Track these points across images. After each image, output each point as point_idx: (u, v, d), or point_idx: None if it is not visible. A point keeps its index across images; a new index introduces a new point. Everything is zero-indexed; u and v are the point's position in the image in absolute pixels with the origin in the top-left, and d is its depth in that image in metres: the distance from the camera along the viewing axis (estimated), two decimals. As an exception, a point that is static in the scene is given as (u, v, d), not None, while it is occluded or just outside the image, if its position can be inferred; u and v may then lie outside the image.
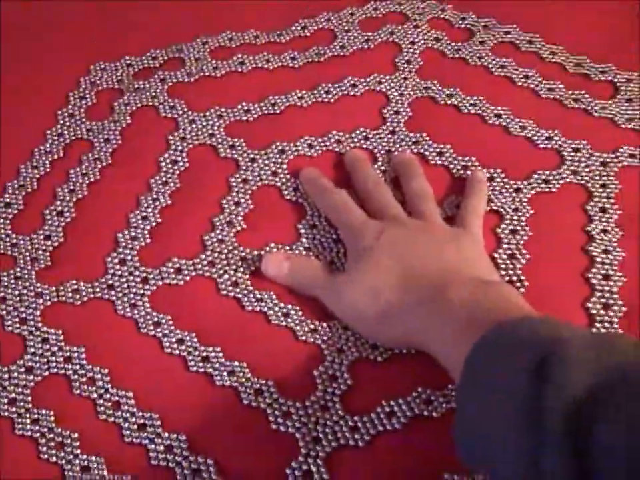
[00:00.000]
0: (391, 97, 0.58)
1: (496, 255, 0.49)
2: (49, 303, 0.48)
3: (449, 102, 0.57)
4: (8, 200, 0.53)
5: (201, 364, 0.45)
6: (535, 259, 0.49)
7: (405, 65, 0.60)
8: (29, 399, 0.44)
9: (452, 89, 0.58)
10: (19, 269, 0.49)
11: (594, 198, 0.52)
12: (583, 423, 0.30)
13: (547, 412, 0.31)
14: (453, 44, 0.61)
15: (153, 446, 0.43)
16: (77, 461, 0.42)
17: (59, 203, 0.53)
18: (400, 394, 0.44)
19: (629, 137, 0.54)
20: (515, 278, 0.48)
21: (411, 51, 0.60)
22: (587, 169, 0.53)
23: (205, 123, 0.57)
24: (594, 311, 0.47)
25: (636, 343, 0.35)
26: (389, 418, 0.43)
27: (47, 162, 0.55)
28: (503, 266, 0.49)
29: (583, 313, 0.47)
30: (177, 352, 0.46)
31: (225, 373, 0.45)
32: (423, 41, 0.61)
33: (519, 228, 0.50)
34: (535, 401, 0.32)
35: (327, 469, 0.42)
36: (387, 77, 0.59)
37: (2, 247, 0.51)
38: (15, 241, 0.51)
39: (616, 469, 0.29)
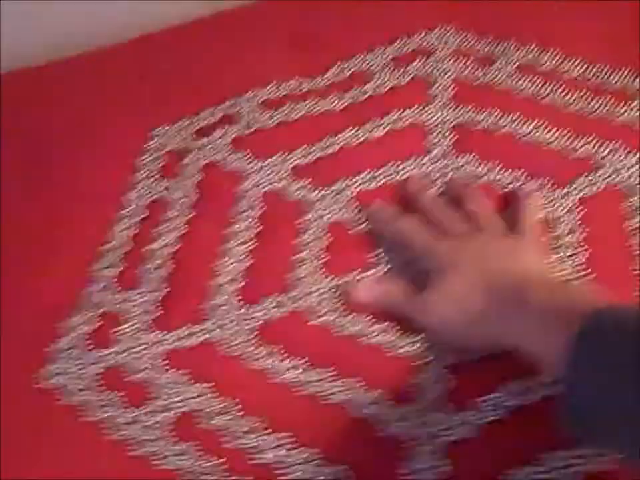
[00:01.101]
0: (433, 125, 0.64)
1: (558, 256, 0.56)
2: (168, 347, 0.54)
3: (486, 124, 0.64)
4: (107, 264, 0.58)
5: (316, 385, 0.51)
6: (592, 254, 0.56)
7: (440, 95, 0.66)
8: (170, 435, 0.50)
9: (486, 112, 0.64)
10: (136, 321, 0.55)
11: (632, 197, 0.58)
12: None
13: None
14: (478, 71, 0.67)
15: (289, 460, 0.49)
16: (226, 482, 0.48)
17: (156, 257, 0.58)
18: (497, 389, 0.50)
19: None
20: (577, 273, 0.55)
21: (442, 81, 0.67)
22: (622, 170, 0.59)
23: (271, 169, 0.63)
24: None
25: None
26: (493, 409, 0.49)
27: (134, 222, 0.61)
28: (565, 265, 0.55)
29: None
30: (292, 379, 0.52)
31: (336, 391, 0.51)
32: (451, 71, 0.68)
33: (573, 229, 0.57)
34: None
35: (447, 460, 0.48)
36: (426, 108, 0.65)
37: (113, 306, 0.56)
38: (124, 297, 0.57)
39: None
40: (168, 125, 0.67)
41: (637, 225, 0.57)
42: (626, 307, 0.43)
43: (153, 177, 0.64)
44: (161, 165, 0.65)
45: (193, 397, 0.52)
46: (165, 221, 0.61)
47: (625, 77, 0.65)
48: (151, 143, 0.66)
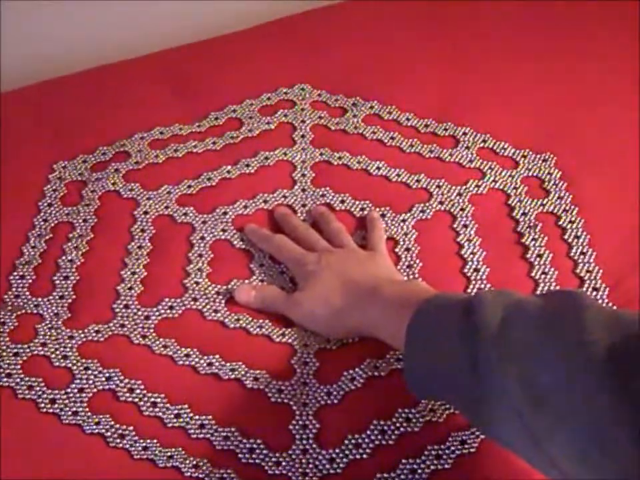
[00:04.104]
0: (296, 164, 0.81)
1: (399, 267, 0.73)
2: (80, 342, 0.66)
3: (340, 162, 0.81)
4: (21, 274, 0.71)
5: (207, 368, 0.65)
6: (425, 265, 0.73)
7: (301, 139, 0.83)
8: (87, 409, 0.62)
9: (340, 153, 0.81)
10: (48, 322, 0.67)
11: (457, 218, 0.76)
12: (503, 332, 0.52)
13: (479, 331, 0.52)
14: (333, 119, 0.85)
15: (190, 427, 0.62)
16: (137, 445, 0.61)
17: (63, 270, 0.71)
18: (355, 366, 0.66)
19: (472, 174, 0.80)
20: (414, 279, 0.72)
21: (303, 127, 0.84)
22: (448, 199, 0.77)
23: (159, 199, 0.77)
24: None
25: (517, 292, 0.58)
26: (352, 381, 0.65)
27: (42, 242, 0.73)
28: (405, 273, 0.72)
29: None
30: (187, 363, 0.66)
31: (228, 370, 0.65)
32: (310, 119, 0.84)
33: (410, 246, 0.74)
34: (469, 327, 0.53)
35: (317, 421, 0.63)
36: (290, 149, 0.82)
37: (28, 308, 0.68)
38: (37, 302, 0.69)
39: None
40: (66, 161, 0.79)
41: (463, 239, 0.74)
42: (449, 294, 0.60)
43: (55, 204, 0.76)
44: (61, 194, 0.77)
45: (105, 380, 0.64)
46: (69, 241, 0.73)
47: (449, 128, 0.83)
48: (52, 175, 0.78)
